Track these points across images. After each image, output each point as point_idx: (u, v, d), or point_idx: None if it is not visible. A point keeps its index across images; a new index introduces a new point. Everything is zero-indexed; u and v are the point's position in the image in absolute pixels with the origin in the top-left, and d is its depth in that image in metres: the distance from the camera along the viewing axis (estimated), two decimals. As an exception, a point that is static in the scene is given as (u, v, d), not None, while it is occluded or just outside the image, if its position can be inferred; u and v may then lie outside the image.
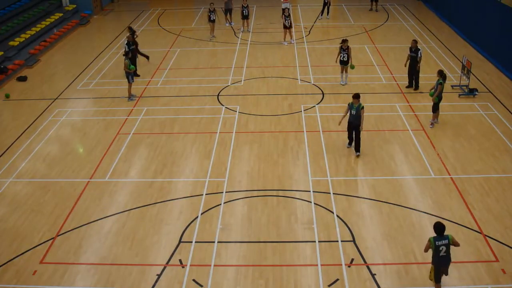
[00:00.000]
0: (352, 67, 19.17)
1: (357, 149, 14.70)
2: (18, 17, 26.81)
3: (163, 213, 12.54)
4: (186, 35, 26.82)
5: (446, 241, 9.32)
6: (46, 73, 22.32)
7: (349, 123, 14.68)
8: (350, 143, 15.07)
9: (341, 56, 19.21)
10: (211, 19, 25.48)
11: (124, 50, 20.17)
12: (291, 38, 24.96)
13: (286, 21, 24.27)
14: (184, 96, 19.21)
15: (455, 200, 12.66)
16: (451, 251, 9.37)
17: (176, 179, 13.97)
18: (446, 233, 10.39)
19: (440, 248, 9.32)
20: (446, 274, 9.82)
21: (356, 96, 14.32)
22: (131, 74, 18.49)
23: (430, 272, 9.76)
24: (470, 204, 12.48)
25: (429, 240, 9.38)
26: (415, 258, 10.71)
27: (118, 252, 11.25)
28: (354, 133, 14.70)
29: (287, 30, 24.68)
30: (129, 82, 18.59)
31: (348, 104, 14.55)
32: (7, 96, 16.93)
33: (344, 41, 19.16)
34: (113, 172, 14.36)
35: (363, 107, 14.32)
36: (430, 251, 9.48)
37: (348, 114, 14.57)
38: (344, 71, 19.55)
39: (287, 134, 16.06)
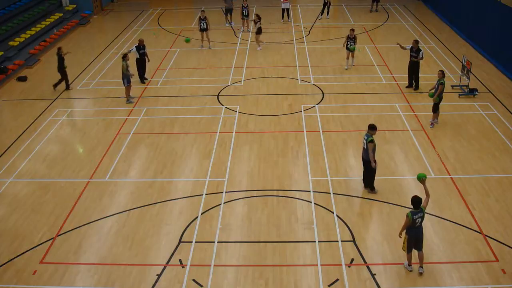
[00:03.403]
0: (353, 48, 20.58)
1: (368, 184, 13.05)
2: (18, 17, 26.81)
3: (163, 213, 12.54)
4: (186, 35, 26.81)
5: (421, 214, 10.07)
6: (46, 73, 22.31)
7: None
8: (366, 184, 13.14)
9: (348, 44, 20.57)
10: (202, 27, 24.04)
11: (129, 51, 20.04)
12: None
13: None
14: (184, 96, 19.21)
15: (455, 200, 12.66)
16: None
17: (176, 179, 13.97)
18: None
19: (417, 221, 10.04)
20: (420, 250, 10.29)
21: (369, 127, 12.50)
22: (127, 77, 18.35)
23: (404, 243, 10.28)
24: (470, 204, 12.48)
25: (408, 216, 9.99)
26: (415, 258, 10.69)
27: (118, 252, 11.25)
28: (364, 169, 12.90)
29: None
30: (124, 85, 18.46)
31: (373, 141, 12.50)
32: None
33: (351, 30, 20.66)
34: (113, 172, 14.36)
35: (371, 141, 12.33)
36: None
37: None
38: (350, 56, 20.88)
39: (287, 134, 16.06)
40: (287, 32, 27.10)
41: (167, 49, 24.65)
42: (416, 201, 10.00)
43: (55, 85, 20.08)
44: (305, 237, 11.52)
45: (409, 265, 10.40)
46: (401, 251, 10.91)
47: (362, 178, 13.15)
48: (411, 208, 10.03)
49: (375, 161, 12.47)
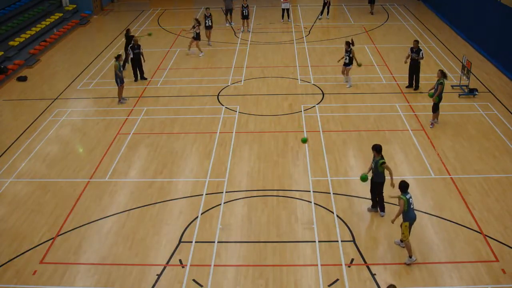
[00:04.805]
0: (359, 65, 19.03)
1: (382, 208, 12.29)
2: (18, 17, 26.80)
3: (163, 213, 12.54)
4: (186, 35, 26.80)
5: (410, 194, 10.47)
6: (46, 73, 22.33)
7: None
8: (374, 205, 12.33)
9: (345, 59, 19.06)
10: (207, 25, 24.36)
11: (127, 53, 20.07)
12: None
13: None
14: (184, 96, 19.21)
15: (455, 200, 12.66)
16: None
17: (176, 179, 13.97)
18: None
19: (410, 201, 10.38)
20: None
21: (375, 148, 11.89)
22: (119, 77, 18.37)
23: (404, 232, 10.37)
24: (470, 204, 12.48)
25: (402, 198, 10.28)
26: (415, 258, 10.70)
27: (118, 252, 11.25)
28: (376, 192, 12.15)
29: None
30: (117, 85, 18.46)
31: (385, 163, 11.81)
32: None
33: (346, 43, 19.02)
34: (113, 172, 14.36)
35: (383, 162, 11.71)
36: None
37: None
38: (346, 73, 19.36)
39: (287, 134, 16.06)
40: (287, 32, 27.11)
41: (167, 49, 24.64)
42: (404, 185, 10.37)
43: (123, 66, 21.23)
44: (305, 237, 11.52)
45: (410, 256, 10.46)
46: (401, 251, 10.92)
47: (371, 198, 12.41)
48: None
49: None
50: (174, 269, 10.72)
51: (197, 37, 22.96)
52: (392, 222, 10.57)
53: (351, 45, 18.94)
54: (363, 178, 11.54)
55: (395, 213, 10.60)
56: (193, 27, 22.91)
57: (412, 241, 11.14)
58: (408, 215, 10.37)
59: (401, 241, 10.62)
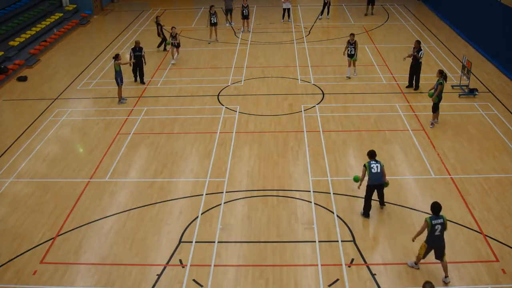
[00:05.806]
0: (355, 59, 19.97)
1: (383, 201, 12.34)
2: (18, 17, 26.82)
3: (163, 213, 12.54)
4: (186, 35, 26.81)
5: (441, 220, 9.79)
6: (46, 73, 22.33)
7: (372, 186, 11.80)
8: (368, 213, 12.12)
9: (348, 50, 19.79)
10: (212, 22, 24.94)
11: (129, 55, 20.05)
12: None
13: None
14: (184, 96, 19.21)
15: (455, 200, 12.66)
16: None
17: (176, 179, 13.97)
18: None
19: (436, 227, 9.77)
20: (441, 259, 10.01)
21: (367, 154, 11.96)
22: (119, 77, 18.39)
23: (421, 248, 10.05)
24: (470, 204, 12.48)
25: (426, 220, 9.78)
26: (419, 267, 10.68)
27: (118, 252, 11.25)
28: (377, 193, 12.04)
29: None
30: (118, 84, 18.51)
31: (364, 165, 11.77)
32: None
33: (351, 35, 19.87)
34: (113, 172, 14.36)
35: (364, 165, 11.85)
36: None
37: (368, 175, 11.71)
38: (352, 65, 20.14)
39: (287, 134, 16.06)
40: (287, 32, 27.11)
41: (167, 49, 24.62)
42: (437, 207, 9.79)
43: (158, 46, 24.49)
44: (305, 237, 11.52)
45: (416, 263, 10.36)
46: (401, 251, 10.93)
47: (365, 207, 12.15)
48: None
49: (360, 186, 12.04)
50: (174, 269, 10.72)
51: (178, 45, 22.77)
52: (413, 240, 10.28)
53: (355, 37, 19.73)
54: (355, 179, 11.95)
55: (403, 213, 10.59)
56: (174, 37, 22.46)
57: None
58: (431, 240, 9.89)
59: (416, 263, 10.42)
